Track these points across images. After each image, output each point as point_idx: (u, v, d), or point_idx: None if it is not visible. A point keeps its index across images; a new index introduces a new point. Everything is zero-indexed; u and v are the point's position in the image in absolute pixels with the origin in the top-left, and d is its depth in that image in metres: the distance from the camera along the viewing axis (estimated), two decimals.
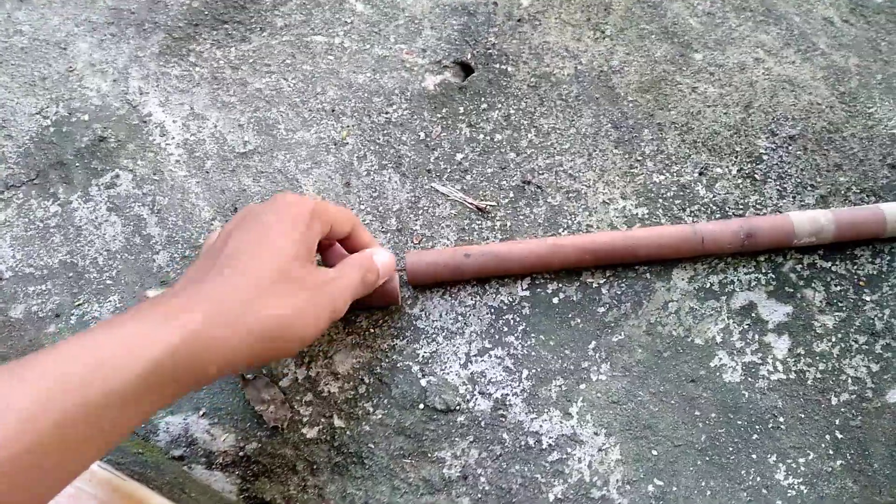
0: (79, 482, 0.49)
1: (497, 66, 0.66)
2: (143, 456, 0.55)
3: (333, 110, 0.65)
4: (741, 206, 0.61)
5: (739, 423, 0.55)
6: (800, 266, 0.59)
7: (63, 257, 0.61)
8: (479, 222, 0.61)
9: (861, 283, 0.59)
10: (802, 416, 0.55)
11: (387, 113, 0.65)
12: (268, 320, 0.40)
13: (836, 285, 0.59)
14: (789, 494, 0.53)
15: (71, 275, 0.60)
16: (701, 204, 0.61)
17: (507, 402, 0.56)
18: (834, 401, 0.56)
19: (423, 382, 0.56)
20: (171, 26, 0.68)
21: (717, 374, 0.56)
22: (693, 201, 0.61)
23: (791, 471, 0.54)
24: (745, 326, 0.58)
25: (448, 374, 0.57)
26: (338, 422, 0.55)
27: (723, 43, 0.67)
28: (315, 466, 0.54)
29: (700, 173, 0.62)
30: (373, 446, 0.55)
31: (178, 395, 0.38)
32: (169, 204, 0.62)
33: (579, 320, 0.58)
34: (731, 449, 0.54)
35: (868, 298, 0.58)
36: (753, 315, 0.58)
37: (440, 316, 0.58)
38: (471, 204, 0.61)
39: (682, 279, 0.59)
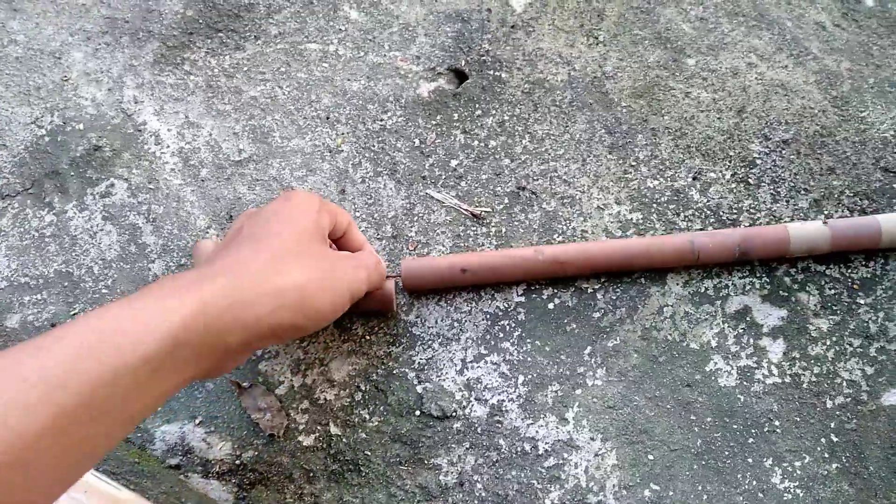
0: (75, 492, 0.49)
1: (491, 72, 0.66)
2: (140, 465, 0.55)
3: (328, 118, 0.65)
4: (735, 211, 0.61)
5: (735, 426, 0.55)
6: (794, 270, 0.59)
7: (58, 266, 0.61)
8: (475, 228, 0.61)
9: (855, 286, 0.59)
10: (798, 419, 0.55)
11: (381, 120, 0.65)
12: (288, 286, 0.41)
13: (830, 289, 0.59)
14: (785, 498, 0.53)
15: (66, 284, 0.60)
16: (695, 209, 0.61)
17: (504, 408, 0.56)
18: (829, 404, 0.56)
19: (420, 389, 0.56)
20: (166, 35, 0.68)
21: (713, 378, 0.57)
22: (687, 206, 0.61)
23: (787, 474, 0.54)
24: (740, 330, 0.58)
25: (444, 380, 0.57)
26: (334, 429, 0.55)
27: (716, 48, 0.67)
28: (311, 474, 0.54)
29: (694, 178, 0.62)
30: (369, 454, 0.55)
31: (198, 370, 0.38)
32: (164, 212, 0.62)
33: (575, 325, 0.58)
34: (727, 453, 0.55)
35: (862, 302, 0.59)
36: (748, 319, 0.58)
37: (436, 322, 0.58)
38: (466, 210, 0.61)
39: (677, 284, 0.59)
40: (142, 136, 0.65)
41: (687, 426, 0.55)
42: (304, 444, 0.55)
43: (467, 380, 0.57)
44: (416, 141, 0.64)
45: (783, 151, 0.63)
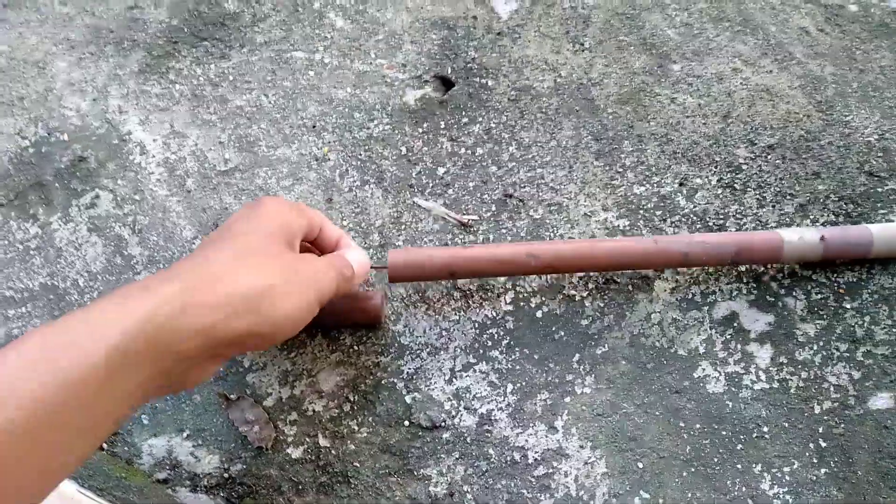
0: None
1: (477, 79, 0.66)
2: (127, 480, 0.54)
3: (314, 126, 0.65)
4: (721, 217, 0.61)
5: (724, 433, 0.55)
6: (780, 275, 0.60)
7: (44, 279, 0.60)
8: (462, 237, 0.61)
9: (841, 290, 0.59)
10: (786, 424, 0.56)
11: (368, 128, 0.65)
12: (246, 286, 0.39)
13: (816, 293, 0.59)
14: None
15: (52, 297, 0.60)
16: (681, 214, 0.61)
17: (493, 418, 0.56)
18: (817, 409, 0.56)
19: (408, 399, 0.56)
20: (151, 44, 0.68)
21: (701, 384, 0.57)
22: (674, 212, 0.62)
23: (776, 480, 0.54)
24: (728, 336, 0.58)
25: (433, 390, 0.56)
26: (323, 441, 0.55)
27: (701, 53, 0.67)
28: (300, 486, 0.54)
29: (680, 184, 0.63)
30: (358, 465, 0.54)
31: (154, 381, 0.36)
32: (150, 223, 0.62)
33: (563, 333, 0.58)
34: (716, 459, 0.55)
35: (848, 306, 0.59)
36: (735, 325, 0.58)
37: (424, 332, 0.58)
38: (453, 218, 0.61)
39: (665, 290, 0.59)
40: (127, 146, 0.64)
41: (676, 433, 0.55)
42: (293, 456, 0.55)
43: (456, 389, 0.57)
44: (403, 149, 0.64)
45: (769, 156, 0.63)
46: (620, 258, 0.55)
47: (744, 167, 0.63)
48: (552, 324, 0.58)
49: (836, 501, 0.53)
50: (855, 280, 0.59)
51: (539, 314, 0.59)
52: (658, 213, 0.62)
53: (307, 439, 0.55)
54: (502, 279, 0.59)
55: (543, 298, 0.59)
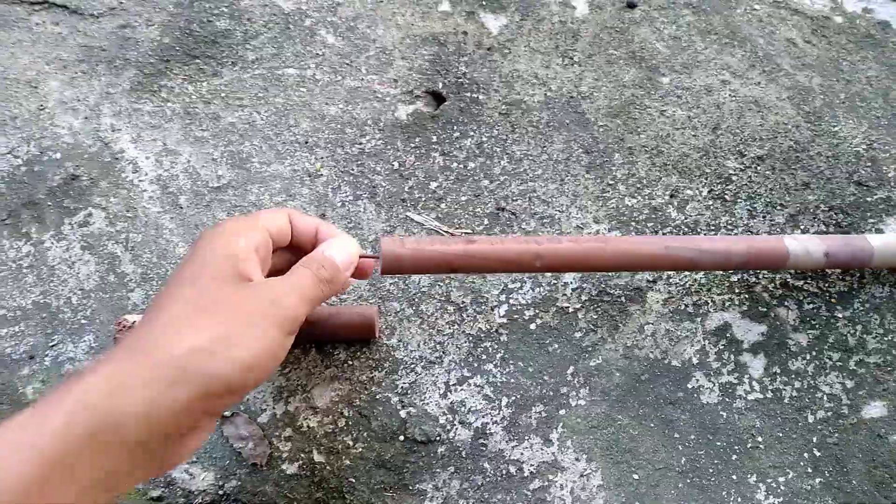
0: None
1: (468, 94, 0.67)
2: (120, 499, 0.54)
3: (307, 142, 0.65)
4: (713, 228, 0.62)
5: (719, 444, 0.55)
6: (772, 285, 0.60)
7: (36, 298, 0.60)
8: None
9: (833, 300, 0.60)
10: (780, 434, 0.56)
11: (360, 143, 0.65)
12: (184, 348, 0.35)
13: (808, 303, 0.59)
14: None
15: (45, 315, 0.60)
16: (673, 226, 0.62)
17: (488, 431, 0.56)
18: (811, 418, 0.56)
19: (403, 414, 0.56)
20: (143, 62, 0.68)
21: (695, 395, 0.57)
22: (665, 223, 0.62)
23: (771, 490, 0.54)
24: (721, 347, 0.58)
25: (428, 404, 0.56)
26: (318, 457, 0.55)
27: (689, 66, 0.68)
28: (296, 503, 0.54)
29: (671, 195, 0.63)
30: (353, 480, 0.54)
31: (125, 464, 0.33)
32: (143, 241, 0.62)
33: (557, 346, 0.58)
34: (711, 470, 0.55)
35: (840, 315, 0.59)
36: (728, 335, 0.59)
37: (418, 345, 0.58)
38: (446, 232, 0.62)
39: (657, 302, 0.59)
40: (119, 164, 0.65)
41: (671, 444, 0.55)
42: (288, 472, 0.55)
43: (451, 403, 0.57)
44: (395, 164, 0.64)
45: (758, 167, 0.64)
46: (628, 265, 0.53)
47: (734, 178, 0.64)
48: (546, 336, 0.58)
49: None
50: (846, 289, 0.60)
51: (533, 326, 0.59)
52: (650, 224, 0.62)
53: (302, 455, 0.55)
54: (496, 292, 0.60)
55: (537, 311, 0.59)
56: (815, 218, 0.62)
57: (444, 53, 0.68)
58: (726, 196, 0.63)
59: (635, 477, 0.55)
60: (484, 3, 0.70)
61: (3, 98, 0.67)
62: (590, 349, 0.58)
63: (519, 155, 0.65)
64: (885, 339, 0.58)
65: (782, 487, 0.54)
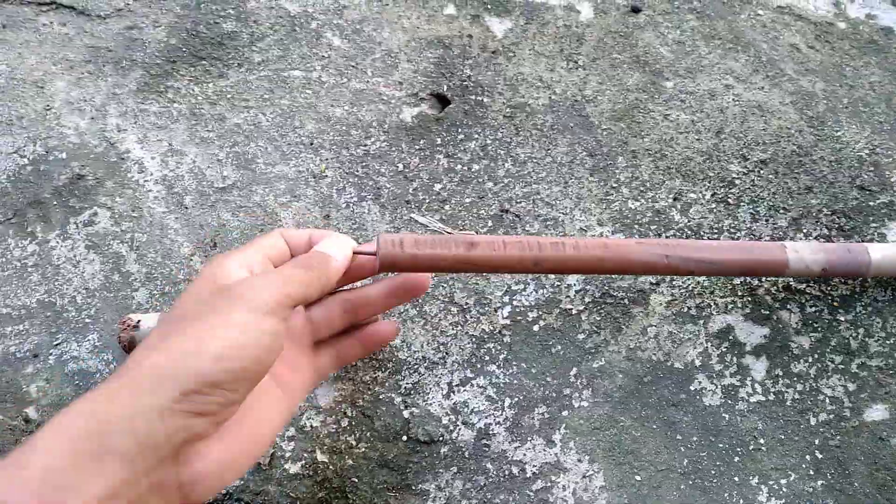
0: None
1: (473, 97, 0.67)
2: None
3: (312, 144, 0.65)
4: (716, 231, 0.62)
5: (721, 445, 0.56)
6: (774, 288, 0.60)
7: (41, 296, 0.60)
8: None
9: (835, 303, 0.60)
10: (782, 437, 0.56)
11: (365, 145, 0.65)
12: (159, 359, 0.35)
13: (810, 306, 0.60)
14: None
15: (49, 314, 0.60)
16: (676, 229, 0.62)
17: (491, 432, 0.56)
18: (813, 421, 0.56)
19: (406, 414, 0.56)
20: (149, 63, 0.68)
21: (698, 397, 0.57)
22: (668, 226, 0.62)
23: (773, 492, 0.54)
24: (724, 349, 0.58)
25: (431, 404, 0.57)
26: (321, 456, 0.55)
27: (693, 70, 0.68)
28: (298, 502, 0.54)
29: (674, 199, 0.63)
30: (356, 480, 0.54)
31: (108, 487, 0.32)
32: (148, 240, 0.62)
33: (560, 347, 0.58)
34: (713, 472, 0.55)
35: (842, 318, 0.59)
36: (731, 338, 0.59)
37: (421, 346, 0.58)
38: (450, 234, 0.62)
39: (660, 304, 0.60)
40: (125, 164, 0.65)
41: (673, 446, 0.56)
42: (291, 471, 0.55)
43: (454, 403, 0.57)
44: (400, 166, 0.65)
45: (761, 171, 0.64)
46: (628, 272, 0.53)
47: (737, 182, 0.64)
48: (549, 338, 0.59)
49: None
50: (849, 293, 0.60)
51: (536, 328, 0.59)
52: (653, 227, 0.62)
53: (305, 455, 0.55)
54: (499, 293, 0.60)
55: (540, 312, 0.59)
56: (817, 222, 0.62)
57: (449, 56, 0.69)
58: (729, 200, 0.63)
59: (637, 478, 0.55)
60: (489, 6, 0.71)
61: (10, 98, 0.67)
62: (593, 351, 0.58)
63: (523, 157, 0.65)
64: (888, 342, 0.58)
65: (784, 489, 0.54)
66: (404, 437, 0.56)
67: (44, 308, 0.60)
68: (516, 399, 0.57)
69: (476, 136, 0.66)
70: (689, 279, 0.60)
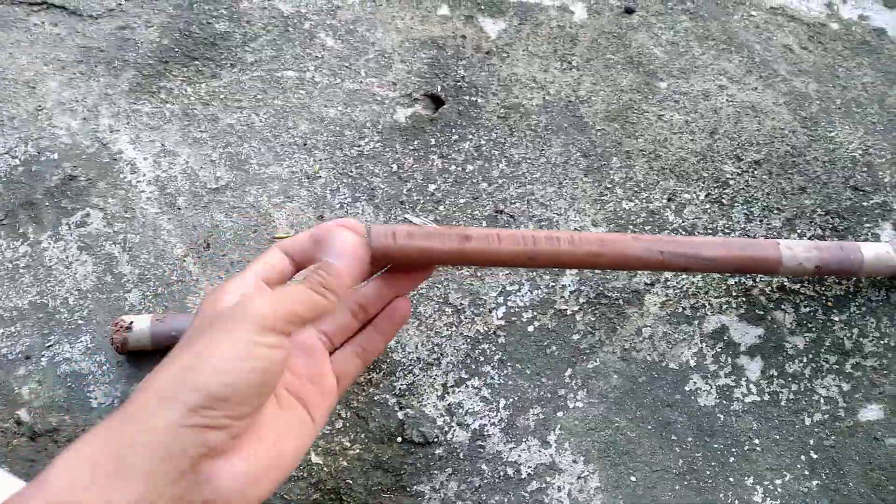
0: None
1: (467, 98, 0.67)
2: None
3: (305, 144, 0.65)
4: (710, 231, 0.62)
5: (716, 446, 0.56)
6: (769, 289, 0.60)
7: (33, 298, 0.60)
8: None
9: (829, 303, 0.60)
10: (777, 437, 0.56)
11: (359, 146, 0.65)
12: (167, 379, 0.35)
13: (805, 307, 0.60)
14: None
15: (41, 315, 0.59)
16: (670, 230, 0.62)
17: (486, 433, 0.56)
18: (807, 421, 0.56)
19: (401, 415, 0.56)
20: (142, 64, 0.68)
21: (693, 397, 0.57)
22: (663, 227, 0.62)
23: (768, 493, 0.54)
24: (718, 349, 0.58)
25: (425, 405, 0.56)
26: (315, 458, 0.55)
27: (687, 71, 0.68)
28: None
29: (668, 199, 0.63)
30: (350, 482, 0.54)
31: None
32: (140, 241, 0.62)
33: (555, 348, 0.58)
34: (708, 472, 0.55)
35: (837, 319, 0.59)
36: (726, 338, 0.59)
37: (416, 347, 0.58)
38: None
39: (655, 304, 0.60)
40: (117, 164, 0.64)
41: (668, 447, 0.56)
42: None
43: (449, 405, 0.56)
44: (394, 166, 0.64)
45: (755, 172, 0.64)
46: (624, 267, 0.52)
47: (731, 182, 0.64)
48: (544, 338, 0.58)
49: None
50: (843, 293, 0.60)
51: (531, 329, 0.59)
52: (647, 228, 0.62)
53: None
54: (494, 294, 0.60)
55: (535, 313, 0.59)
56: (811, 222, 0.62)
57: (443, 57, 0.69)
58: (723, 200, 0.63)
59: (633, 479, 0.55)
60: (482, 7, 0.71)
61: (1, 98, 0.67)
62: (587, 351, 0.58)
63: (517, 158, 0.65)
64: (882, 342, 0.59)
65: (779, 490, 0.54)
66: (399, 439, 0.55)
67: (36, 309, 0.60)
68: (511, 400, 0.57)
69: (470, 136, 0.66)
70: (683, 279, 0.60)
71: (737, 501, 0.54)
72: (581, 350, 0.58)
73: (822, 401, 0.57)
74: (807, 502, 0.54)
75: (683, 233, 0.62)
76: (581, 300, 0.60)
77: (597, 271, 0.60)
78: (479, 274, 0.60)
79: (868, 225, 0.62)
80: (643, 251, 0.51)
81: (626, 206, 0.63)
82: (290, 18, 0.70)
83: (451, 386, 0.57)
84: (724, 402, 0.57)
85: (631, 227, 0.62)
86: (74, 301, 0.60)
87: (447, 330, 0.59)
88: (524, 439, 0.56)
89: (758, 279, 0.60)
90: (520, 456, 0.55)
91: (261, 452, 0.38)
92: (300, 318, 0.39)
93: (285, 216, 0.63)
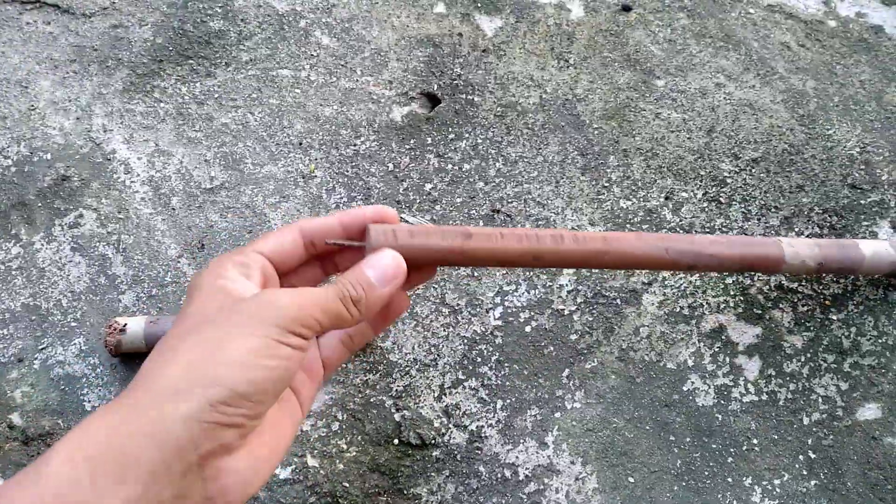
0: None
1: (463, 96, 0.67)
2: None
3: (301, 143, 0.65)
4: (707, 230, 0.62)
5: (714, 446, 0.55)
6: (767, 287, 0.60)
7: (26, 300, 0.59)
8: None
9: (827, 302, 0.60)
10: (776, 437, 0.56)
11: (355, 145, 0.65)
12: (177, 371, 0.33)
13: (802, 305, 0.59)
14: None
15: (34, 318, 0.59)
16: (668, 228, 0.62)
17: (483, 434, 0.55)
18: (806, 421, 0.56)
19: (398, 417, 0.56)
20: (135, 63, 0.67)
21: (691, 397, 0.57)
22: (660, 226, 0.62)
23: (767, 493, 0.54)
24: (716, 349, 0.58)
25: (422, 407, 0.56)
26: (311, 461, 0.54)
27: (684, 69, 0.68)
28: None
29: (666, 198, 0.63)
30: (347, 485, 0.54)
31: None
32: (134, 242, 0.61)
33: (552, 348, 0.58)
34: (706, 473, 0.55)
35: (834, 318, 0.59)
36: (723, 337, 0.58)
37: (413, 348, 0.58)
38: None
39: (653, 304, 0.59)
40: (111, 164, 0.64)
41: (666, 447, 0.55)
42: (281, 476, 0.54)
43: (446, 406, 0.56)
44: (390, 165, 0.64)
45: (753, 170, 0.64)
46: (630, 266, 0.50)
47: (728, 181, 0.64)
48: (541, 339, 0.58)
49: None
50: (840, 292, 0.60)
51: (528, 329, 0.58)
52: (645, 227, 0.62)
53: (295, 459, 0.55)
54: (491, 294, 0.59)
55: (532, 313, 0.59)
56: (809, 220, 0.62)
57: (440, 55, 0.68)
58: (721, 198, 0.63)
59: (631, 480, 0.54)
60: (479, 5, 0.70)
61: None
62: (585, 351, 0.58)
63: (514, 157, 0.64)
64: (879, 341, 0.58)
65: (778, 490, 0.54)
66: (396, 441, 0.55)
67: (28, 312, 0.59)
68: (508, 401, 0.56)
69: (467, 135, 0.65)
70: (681, 278, 0.60)
71: (735, 502, 0.54)
72: (579, 350, 0.58)
73: (820, 400, 0.57)
74: (805, 502, 0.54)
75: (681, 231, 0.62)
76: (578, 300, 0.59)
77: (594, 270, 0.60)
78: (475, 274, 0.60)
79: (866, 223, 0.62)
80: (649, 248, 0.49)
81: (623, 205, 0.63)
82: (286, 16, 0.69)
83: (449, 387, 0.57)
84: (723, 401, 0.57)
85: (629, 225, 0.62)
86: (67, 303, 0.59)
87: (444, 331, 0.58)
88: (522, 441, 0.55)
89: (755, 278, 0.60)
90: (517, 457, 0.55)
91: (262, 448, 0.37)
92: (322, 326, 0.37)
93: (280, 216, 0.62)
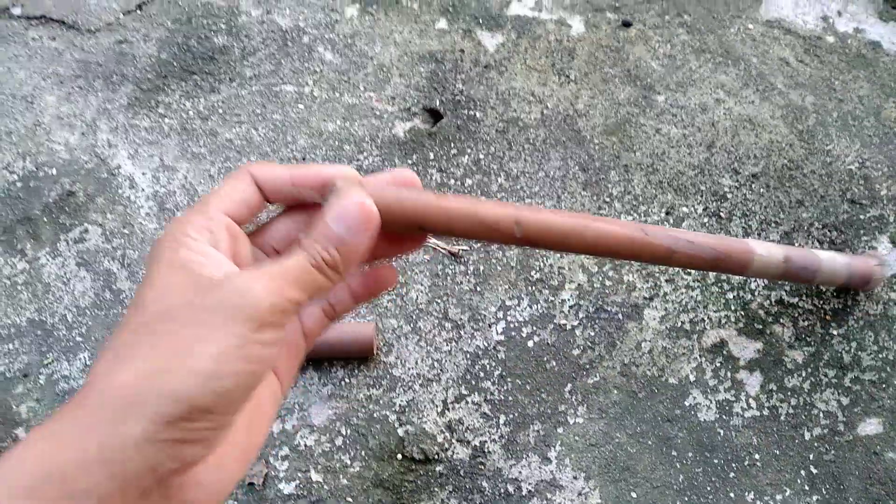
0: None
1: (465, 112, 0.67)
2: None
3: (304, 158, 0.65)
4: None
5: (716, 461, 0.56)
6: (767, 303, 0.60)
7: (31, 315, 0.60)
8: (452, 267, 0.61)
9: (827, 317, 0.60)
10: (777, 452, 0.56)
11: (358, 160, 0.65)
12: (127, 382, 0.28)
13: (803, 320, 0.60)
14: None
15: (39, 333, 0.59)
16: None
17: (486, 449, 0.56)
18: (807, 436, 0.57)
19: (401, 432, 0.56)
20: (140, 78, 0.68)
21: (692, 412, 0.57)
22: None
23: None
24: (718, 364, 0.58)
25: (425, 422, 0.56)
26: (315, 476, 0.55)
27: (684, 84, 0.69)
28: None
29: (667, 213, 0.63)
30: (351, 500, 0.54)
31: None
32: (139, 257, 0.62)
33: (555, 363, 0.58)
34: (708, 488, 0.55)
35: (835, 332, 0.60)
36: (725, 352, 0.59)
37: (416, 363, 0.58)
38: (443, 249, 0.62)
39: (654, 319, 0.60)
40: (116, 180, 0.64)
41: (668, 462, 0.56)
42: (285, 492, 0.54)
43: (449, 421, 0.56)
44: None
45: (753, 185, 0.64)
46: (606, 241, 0.48)
47: (729, 196, 0.64)
48: (544, 353, 0.58)
49: None
50: (841, 307, 0.60)
51: (531, 344, 0.59)
52: None
53: (299, 474, 0.55)
54: (493, 309, 0.60)
55: (535, 328, 0.59)
56: (809, 235, 0.63)
57: (442, 71, 0.69)
58: (721, 213, 0.63)
59: (633, 495, 0.55)
60: (480, 21, 0.71)
61: None
62: (587, 366, 0.58)
63: (516, 172, 0.65)
64: (880, 355, 0.59)
65: None
66: (399, 456, 0.55)
67: (34, 327, 0.59)
68: (511, 416, 0.57)
69: (469, 150, 0.66)
70: (682, 293, 0.60)
71: None
72: (581, 365, 0.58)
73: (821, 415, 0.57)
74: None
75: None
76: (580, 315, 0.60)
77: (596, 285, 0.61)
78: (478, 289, 0.60)
79: (866, 238, 0.62)
80: (628, 229, 0.47)
81: (624, 220, 0.63)
82: (289, 32, 0.70)
83: (452, 402, 0.57)
84: (724, 416, 0.57)
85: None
86: (73, 318, 0.60)
87: (447, 345, 0.59)
88: (525, 456, 0.56)
89: (756, 293, 0.60)
90: (520, 472, 0.55)
91: (234, 447, 0.32)
92: (299, 304, 0.32)
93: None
